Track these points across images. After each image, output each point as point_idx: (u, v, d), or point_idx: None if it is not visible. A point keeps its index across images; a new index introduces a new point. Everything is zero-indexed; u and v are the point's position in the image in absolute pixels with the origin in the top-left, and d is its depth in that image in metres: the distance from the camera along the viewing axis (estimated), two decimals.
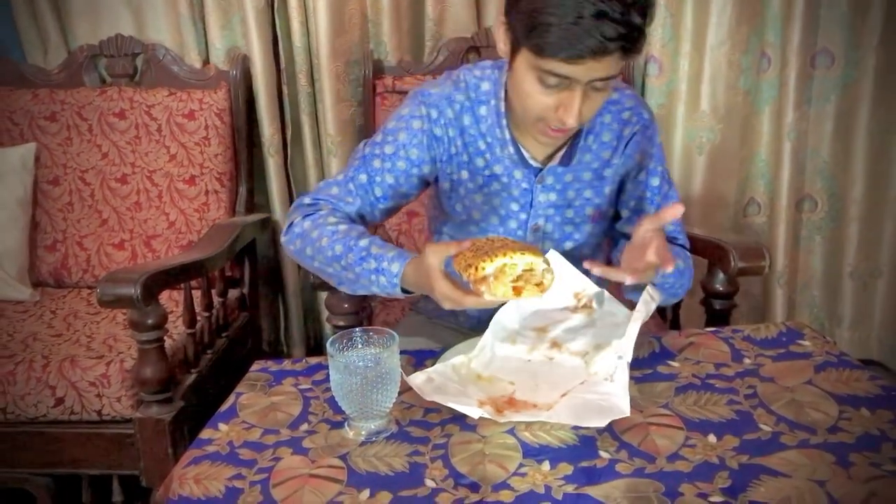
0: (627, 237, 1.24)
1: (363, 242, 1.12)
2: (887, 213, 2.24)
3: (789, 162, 2.16)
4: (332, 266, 1.14)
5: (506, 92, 1.18)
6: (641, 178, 1.26)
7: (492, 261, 0.94)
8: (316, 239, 1.15)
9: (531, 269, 0.96)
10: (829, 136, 2.22)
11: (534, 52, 1.01)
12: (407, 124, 1.22)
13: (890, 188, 2.22)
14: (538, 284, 0.96)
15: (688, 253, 1.30)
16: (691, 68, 2.11)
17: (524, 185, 1.23)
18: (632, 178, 1.27)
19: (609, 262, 1.33)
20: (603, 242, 1.36)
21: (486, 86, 1.22)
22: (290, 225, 1.20)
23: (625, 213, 1.29)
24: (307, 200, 1.23)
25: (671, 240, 1.28)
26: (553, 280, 0.98)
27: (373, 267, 1.09)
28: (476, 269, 0.94)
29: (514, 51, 1.07)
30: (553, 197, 1.25)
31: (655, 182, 1.27)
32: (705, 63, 2.12)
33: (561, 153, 1.22)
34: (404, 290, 1.09)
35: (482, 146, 1.22)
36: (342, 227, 1.15)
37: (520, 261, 0.95)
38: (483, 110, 1.21)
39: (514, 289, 0.95)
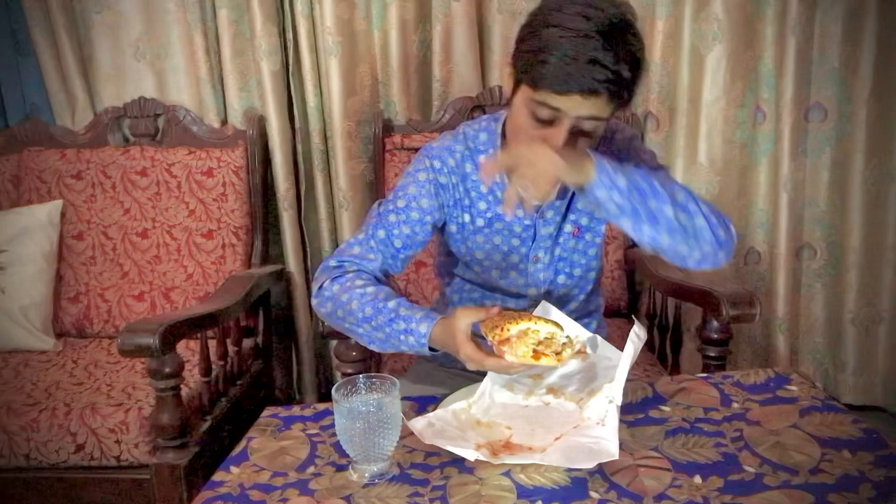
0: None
1: (391, 304, 1.18)
2: (885, 260, 2.28)
3: (787, 211, 2.23)
4: (363, 327, 1.21)
5: (503, 139, 1.29)
6: None
7: (517, 324, 1.04)
8: (346, 302, 1.21)
9: (552, 338, 1.05)
10: (825, 186, 2.29)
11: (530, 85, 1.12)
12: (414, 178, 1.32)
13: (887, 236, 2.27)
14: (557, 353, 1.04)
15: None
16: (688, 123, 2.19)
17: (526, 221, 1.33)
18: None
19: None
20: (595, 262, 1.41)
21: (483, 136, 1.32)
22: (320, 288, 1.27)
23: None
24: (333, 263, 1.29)
25: None
26: (571, 355, 1.06)
27: (402, 328, 1.16)
28: (502, 329, 1.04)
29: (514, 88, 1.18)
30: (552, 229, 1.34)
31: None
32: (702, 118, 2.20)
33: (557, 188, 1.28)
34: (431, 349, 1.16)
35: (484, 190, 1.32)
36: (370, 289, 1.22)
37: (542, 328, 1.05)
38: (482, 158, 1.31)
39: (535, 353, 1.03)
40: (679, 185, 1.19)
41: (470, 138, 1.33)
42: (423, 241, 1.33)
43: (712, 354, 1.55)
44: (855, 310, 2.34)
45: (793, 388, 1.20)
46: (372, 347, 1.24)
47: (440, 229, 1.37)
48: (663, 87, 2.16)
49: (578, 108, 1.10)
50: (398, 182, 1.34)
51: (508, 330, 1.04)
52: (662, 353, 1.86)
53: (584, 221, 1.36)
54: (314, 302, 1.29)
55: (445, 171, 1.32)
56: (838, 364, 2.40)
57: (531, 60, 1.10)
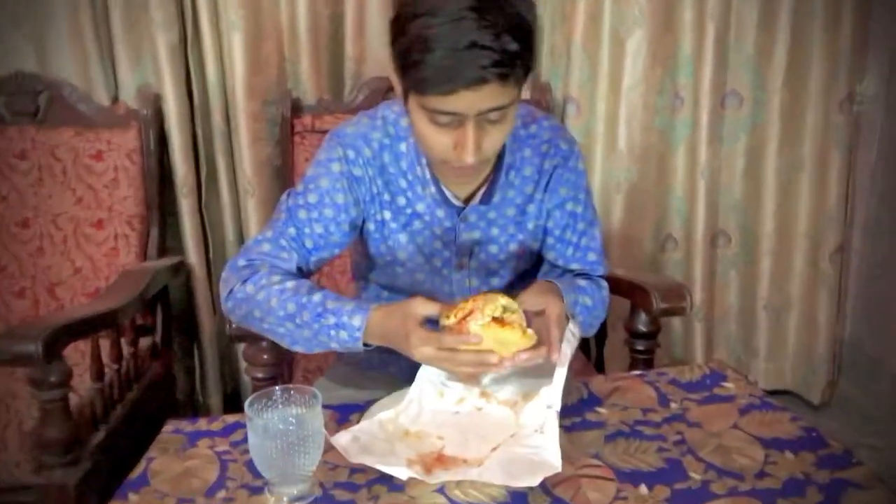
0: (550, 263, 1.30)
1: (316, 297, 1.08)
2: (796, 247, 2.33)
3: (704, 199, 2.24)
4: (285, 326, 1.10)
5: None
6: (568, 207, 1.26)
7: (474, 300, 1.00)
8: (263, 301, 1.10)
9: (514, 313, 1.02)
10: (740, 174, 2.31)
11: (415, 91, 1.00)
12: (327, 169, 1.19)
13: (798, 223, 2.31)
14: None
15: (601, 283, 1.31)
16: (608, 109, 2.15)
17: (447, 223, 1.22)
18: (558, 207, 1.26)
19: None
20: (527, 277, 1.35)
21: (405, 121, 1.18)
22: (230, 292, 1.14)
23: (550, 241, 1.29)
24: (241, 262, 1.16)
25: (585, 274, 1.29)
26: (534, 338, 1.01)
27: (332, 322, 1.06)
28: (458, 309, 1.00)
29: (405, 93, 1.05)
30: (477, 234, 1.23)
31: (579, 209, 1.28)
32: (621, 104, 2.17)
33: (481, 191, 1.21)
34: (365, 345, 1.07)
35: (403, 184, 1.20)
36: (289, 284, 1.11)
37: (502, 300, 1.01)
38: (403, 146, 1.19)
39: (500, 321, 0.99)
40: (600, 306, 1.28)
41: (390, 123, 1.20)
42: (339, 241, 1.21)
43: (640, 348, 1.51)
44: (767, 296, 2.38)
45: (729, 385, 1.18)
46: (296, 348, 1.13)
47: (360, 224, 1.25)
48: (584, 71, 2.12)
49: (474, 103, 0.97)
50: (307, 171, 1.21)
51: (465, 308, 0.99)
52: (585, 344, 1.82)
53: (531, 244, 1.28)
54: (226, 307, 1.16)
55: (360, 161, 1.18)
56: (751, 350, 2.44)
57: (406, 63, 0.98)
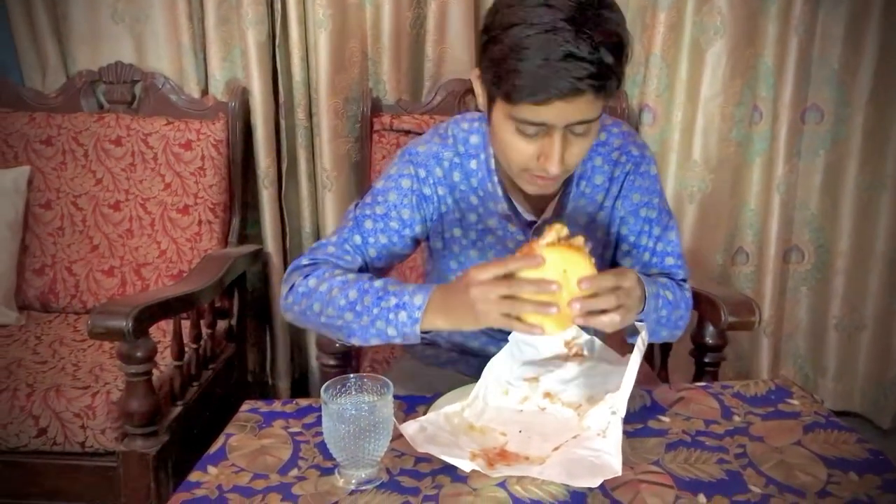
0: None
1: (378, 283, 1.09)
2: (872, 266, 2.27)
3: (778, 213, 2.20)
4: (344, 317, 1.10)
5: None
6: (642, 213, 1.26)
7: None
8: (325, 292, 1.11)
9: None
10: (817, 190, 2.27)
11: (506, 99, 1.00)
12: (396, 184, 1.21)
13: (875, 243, 2.26)
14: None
15: (683, 285, 1.29)
16: (685, 118, 2.14)
17: (519, 237, 1.23)
18: (632, 214, 1.26)
19: None
20: None
21: (475, 139, 1.20)
22: (291, 287, 1.16)
23: (625, 247, 1.29)
24: (305, 262, 1.19)
25: (667, 274, 1.28)
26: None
27: (392, 304, 1.06)
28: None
29: (490, 102, 1.05)
30: None
31: (653, 214, 1.26)
32: (699, 114, 2.16)
33: (553, 204, 1.22)
34: (423, 334, 1.07)
35: (474, 201, 1.22)
36: (351, 275, 1.13)
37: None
38: (473, 164, 1.20)
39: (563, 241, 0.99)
40: (684, 306, 1.25)
41: (460, 141, 1.21)
42: (401, 253, 1.23)
43: (706, 360, 1.51)
44: (839, 315, 2.33)
45: (794, 401, 1.17)
46: (352, 341, 1.13)
47: (426, 240, 1.28)
48: (661, 80, 2.11)
49: (565, 115, 0.98)
50: (376, 183, 1.24)
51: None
52: (650, 353, 1.82)
53: (602, 251, 1.28)
54: (284, 304, 1.18)
55: (431, 181, 1.21)
56: (819, 369, 2.39)
57: (499, 70, 0.98)
